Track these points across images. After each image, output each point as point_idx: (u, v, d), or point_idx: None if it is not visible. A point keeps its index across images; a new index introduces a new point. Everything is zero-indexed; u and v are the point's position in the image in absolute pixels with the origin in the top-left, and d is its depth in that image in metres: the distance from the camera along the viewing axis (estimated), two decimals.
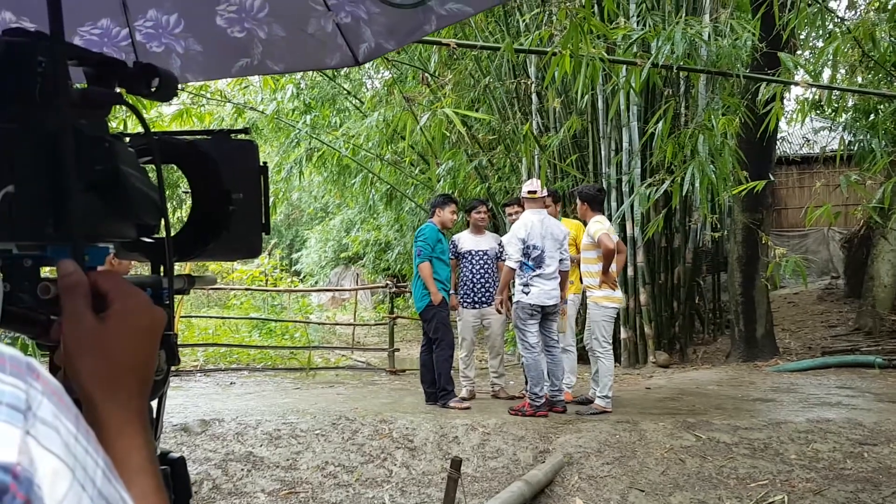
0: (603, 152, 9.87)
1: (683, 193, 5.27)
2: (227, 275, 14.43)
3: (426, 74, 10.14)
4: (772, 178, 5.21)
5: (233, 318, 11.20)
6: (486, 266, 7.04)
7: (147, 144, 1.22)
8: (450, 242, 7.09)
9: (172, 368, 1.12)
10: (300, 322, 11.02)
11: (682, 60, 4.87)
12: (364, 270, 17.01)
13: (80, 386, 0.75)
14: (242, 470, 5.55)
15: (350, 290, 12.01)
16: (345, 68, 4.69)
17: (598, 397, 6.49)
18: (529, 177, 10.32)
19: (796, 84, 5.04)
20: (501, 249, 7.08)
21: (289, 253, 20.31)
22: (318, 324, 11.49)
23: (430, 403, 6.79)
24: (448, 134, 10.40)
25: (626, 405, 6.86)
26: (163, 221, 1.07)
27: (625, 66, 5.66)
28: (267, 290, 12.29)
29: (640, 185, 8.01)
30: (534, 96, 10.21)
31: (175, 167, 1.25)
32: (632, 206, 8.93)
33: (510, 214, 7.24)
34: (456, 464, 4.56)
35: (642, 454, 5.72)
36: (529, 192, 6.46)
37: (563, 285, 6.49)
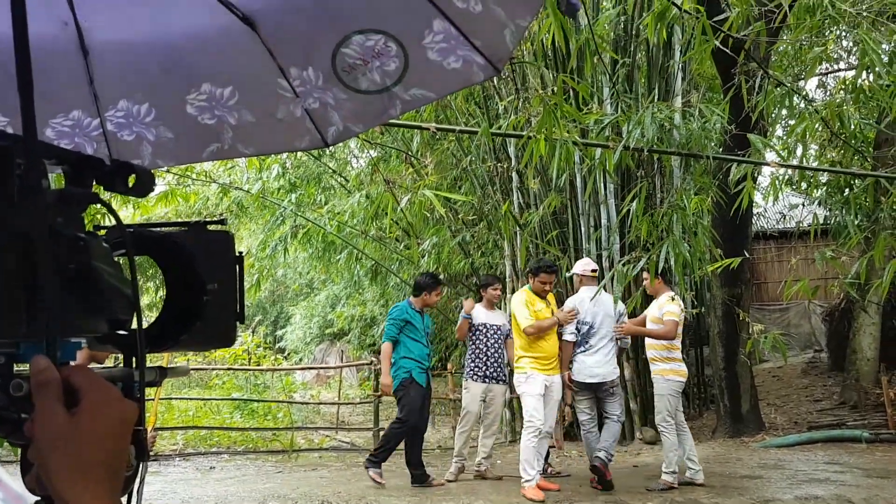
0: (582, 228, 10.02)
1: (659, 271, 5.34)
2: (208, 354, 14.27)
3: (409, 155, 10.33)
4: (747, 255, 5.29)
5: (214, 399, 11.02)
6: (498, 341, 7.10)
7: (121, 238, 1.26)
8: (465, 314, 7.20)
9: (144, 463, 1.12)
10: (283, 402, 10.87)
11: (654, 143, 5.02)
12: (349, 346, 16.88)
13: (51, 482, 0.76)
14: None
15: (335, 368, 11.90)
16: (316, 150, 4.83)
17: (665, 472, 6.42)
18: (513, 252, 10.47)
19: (767, 164, 5.19)
20: (510, 326, 7.21)
21: (273, 329, 20.17)
22: (302, 403, 11.34)
23: (416, 485, 6.68)
24: (428, 214, 10.53)
25: (616, 484, 6.74)
26: (135, 314, 1.09)
27: (598, 149, 5.81)
28: (249, 370, 12.15)
29: (618, 260, 8.10)
30: (514, 175, 10.40)
31: (150, 259, 1.28)
32: (612, 282, 8.99)
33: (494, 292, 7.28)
34: None
35: None
36: (593, 271, 6.73)
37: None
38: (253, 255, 12.36)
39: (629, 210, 6.27)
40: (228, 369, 11.99)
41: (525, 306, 6.45)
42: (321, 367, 14.47)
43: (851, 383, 10.14)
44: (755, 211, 11.87)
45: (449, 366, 10.94)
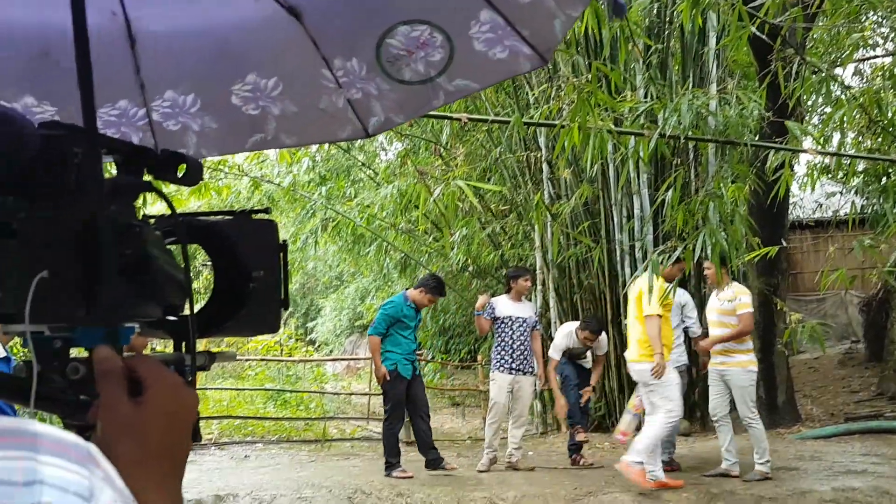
0: (615, 219, 9.93)
1: (695, 261, 5.28)
2: (242, 345, 14.43)
3: (439, 146, 10.32)
4: (784, 244, 5.20)
5: (247, 389, 11.16)
6: (524, 333, 7.08)
7: (172, 226, 1.28)
8: (490, 304, 7.20)
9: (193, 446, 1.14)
10: (315, 392, 10.97)
11: (690, 130, 4.96)
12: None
13: (117, 470, 0.78)
14: None
15: (365, 359, 11.98)
16: (357, 140, 4.83)
17: (759, 464, 6.28)
18: (543, 244, 10.43)
19: (804, 151, 5.11)
20: (538, 319, 7.24)
21: (304, 322, 20.34)
22: (333, 394, 11.43)
23: (430, 469, 6.80)
24: (461, 204, 10.52)
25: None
26: (187, 300, 1.11)
27: (633, 137, 5.75)
28: (281, 361, 12.27)
29: (652, 251, 8.03)
30: (544, 165, 10.34)
31: (198, 247, 1.30)
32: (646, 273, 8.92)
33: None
34: None
35: None
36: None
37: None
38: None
39: (663, 200, 6.22)
40: (261, 360, 12.13)
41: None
42: (352, 359, 14.58)
43: (889, 374, 9.97)
44: (791, 200, 11.67)
45: (479, 357, 10.93)
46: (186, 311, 1.22)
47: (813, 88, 5.22)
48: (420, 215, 10.02)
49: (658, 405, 6.08)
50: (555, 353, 7.34)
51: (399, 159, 11.50)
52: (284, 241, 1.36)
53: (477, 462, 7.21)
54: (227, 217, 1.32)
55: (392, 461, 6.72)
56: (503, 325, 7.06)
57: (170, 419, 0.84)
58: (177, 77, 1.93)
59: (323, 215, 10.93)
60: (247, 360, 12.83)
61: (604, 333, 7.65)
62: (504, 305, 7.14)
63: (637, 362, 6.16)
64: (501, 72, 1.85)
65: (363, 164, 12.10)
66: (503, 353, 7.04)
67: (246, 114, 1.91)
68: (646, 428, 6.14)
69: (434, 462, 6.81)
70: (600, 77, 5.78)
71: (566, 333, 7.39)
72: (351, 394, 11.78)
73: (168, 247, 1.15)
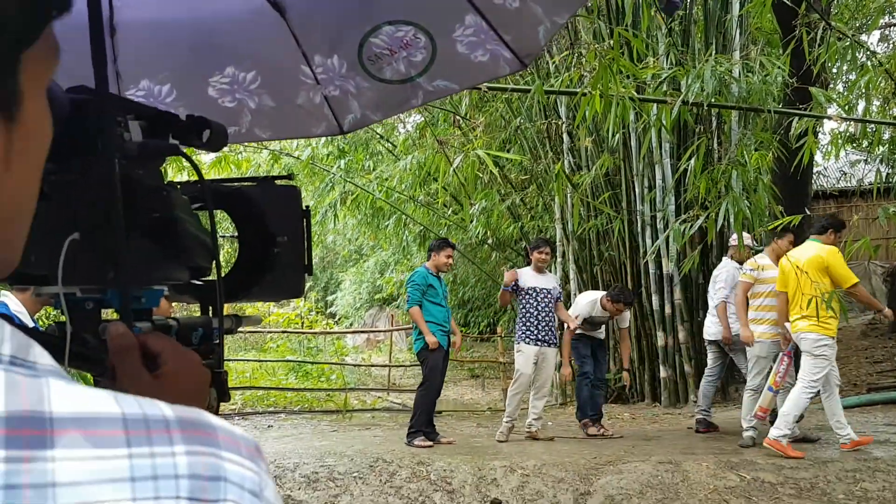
0: (636, 189, 9.85)
1: (718, 229, 5.23)
2: (263, 318, 14.57)
3: (458, 117, 10.26)
4: (808, 213, 5.13)
5: (269, 360, 11.28)
6: (549, 305, 7.08)
7: (198, 192, 1.29)
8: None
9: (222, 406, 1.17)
10: (336, 364, 11.07)
11: (713, 97, 4.89)
12: (398, 311, 17.07)
13: None
14: None
15: (384, 332, 12.05)
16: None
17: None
18: (563, 215, 10.39)
19: (828, 118, 5.02)
20: (561, 290, 7.23)
21: (324, 295, 20.46)
22: (354, 365, 11.54)
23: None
24: (480, 175, 10.48)
25: (669, 445, 6.75)
26: (214, 264, 1.12)
27: (655, 105, 5.69)
28: (302, 333, 12.39)
29: (674, 221, 7.98)
30: (565, 135, 10.27)
31: (223, 212, 1.31)
32: (667, 243, 8.88)
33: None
34: None
35: (685, 495, 5.62)
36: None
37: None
38: None
39: (685, 169, 6.16)
40: (283, 332, 12.24)
41: None
42: (371, 331, 14.68)
43: None
44: (815, 169, 11.51)
45: (498, 329, 10.95)
46: (213, 276, 1.23)
47: (838, 55, 5.12)
48: (440, 188, 9.99)
49: (804, 377, 6.03)
50: (576, 320, 7.31)
51: (418, 131, 11.45)
52: (307, 207, 1.37)
53: (496, 432, 7.27)
54: (251, 183, 1.33)
55: (415, 429, 6.76)
56: (527, 297, 7.06)
57: (189, 393, 0.86)
58: (154, 66, 1.92)
59: (342, 188, 10.93)
60: (268, 332, 12.96)
61: None
62: (527, 277, 7.13)
63: (807, 332, 5.97)
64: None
65: (381, 137, 12.07)
66: (528, 324, 7.04)
67: (222, 106, 1.92)
68: (789, 400, 6.08)
69: (412, 434, 6.83)
70: (622, 43, 5.71)
71: (590, 301, 7.35)
72: (371, 365, 11.88)
73: (195, 212, 1.16)
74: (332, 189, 10.98)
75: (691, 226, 5.11)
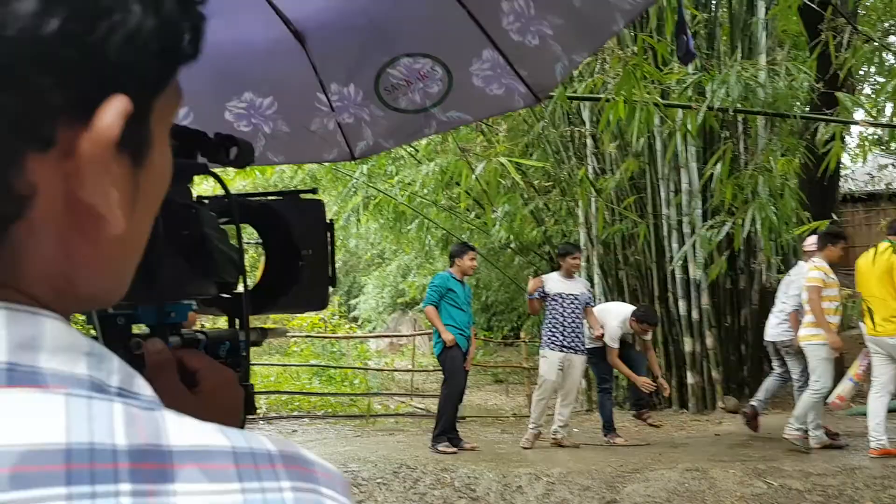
0: (662, 194, 9.78)
1: (745, 235, 5.18)
2: (287, 322, 14.66)
3: (480, 122, 10.25)
4: (834, 217, 5.04)
5: (293, 364, 11.35)
6: (576, 311, 6.99)
7: (226, 206, 1.31)
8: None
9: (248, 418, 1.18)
10: (359, 368, 11.11)
11: (739, 103, 4.85)
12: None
13: None
14: None
15: (407, 336, 12.08)
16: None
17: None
18: (587, 220, 10.35)
19: (855, 123, 4.95)
20: (590, 295, 7.18)
21: (347, 299, 20.55)
22: (377, 370, 11.56)
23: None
24: (502, 181, 10.47)
25: (696, 452, 6.69)
26: (241, 278, 1.14)
27: (681, 110, 5.65)
28: (327, 337, 12.45)
29: (700, 226, 7.92)
30: (588, 140, 10.22)
31: (249, 227, 1.33)
32: (693, 248, 8.80)
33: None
34: None
35: (712, 503, 5.57)
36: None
37: None
38: None
39: (711, 174, 6.11)
40: (306, 336, 12.31)
41: None
42: (394, 336, 14.71)
43: None
44: (843, 173, 11.35)
45: (522, 334, 10.92)
46: (239, 289, 1.25)
47: (865, 58, 5.05)
48: (462, 192, 10.00)
49: (878, 377, 6.06)
50: (613, 342, 7.25)
51: (440, 136, 11.47)
52: (331, 220, 1.39)
53: (521, 438, 7.25)
54: (277, 198, 1.35)
55: (440, 433, 6.76)
56: (554, 303, 6.98)
57: (226, 410, 0.87)
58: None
59: (364, 193, 10.98)
60: (293, 336, 13.03)
61: None
62: (555, 283, 7.05)
63: (892, 336, 5.91)
64: (495, 106, 1.88)
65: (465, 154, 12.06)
66: (554, 330, 6.97)
67: (237, 130, 1.94)
68: (871, 406, 6.09)
69: (437, 439, 6.82)
70: (646, 49, 5.68)
71: (622, 321, 7.29)
72: (394, 370, 11.90)
73: (222, 227, 1.18)
74: (354, 194, 11.03)
75: (718, 231, 5.06)
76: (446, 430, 6.79)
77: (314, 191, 1.40)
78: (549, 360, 6.97)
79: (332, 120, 1.93)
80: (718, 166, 5.12)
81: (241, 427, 1.15)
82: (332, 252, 1.37)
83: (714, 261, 9.30)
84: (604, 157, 10.37)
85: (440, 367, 7.14)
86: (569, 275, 7.10)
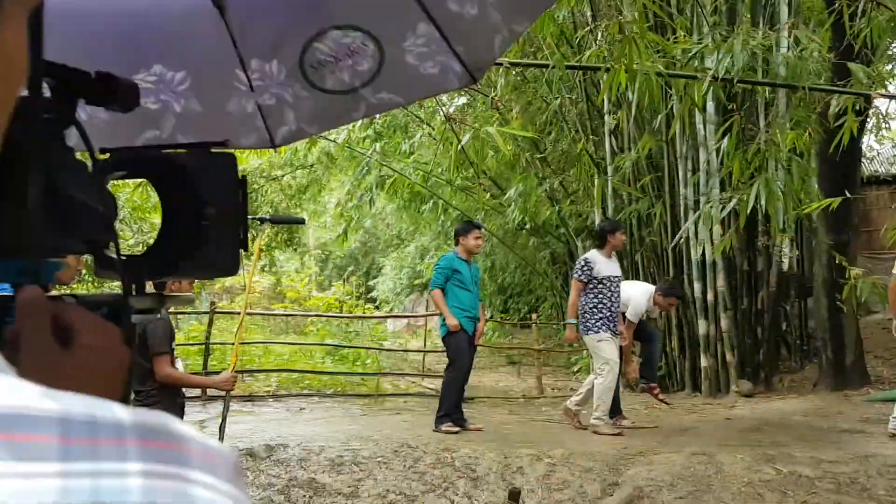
0: (679, 173, 9.57)
1: (749, 211, 4.99)
2: (304, 301, 14.68)
3: (496, 98, 10.07)
4: (847, 195, 4.84)
5: (305, 343, 11.34)
6: (618, 292, 6.73)
7: (125, 160, 1.21)
8: (583, 263, 6.69)
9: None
10: (372, 349, 11.06)
11: (746, 73, 4.62)
12: None
13: None
14: (304, 496, 5.53)
15: (423, 317, 12.01)
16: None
17: None
18: (602, 200, 10.14)
19: (867, 95, 4.71)
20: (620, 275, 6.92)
21: (365, 280, 20.53)
22: (390, 350, 11.52)
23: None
24: (521, 156, 10.33)
25: (705, 436, 6.55)
26: (111, 236, 1.04)
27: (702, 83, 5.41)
28: (342, 317, 12.42)
29: (707, 204, 7.72)
30: (606, 117, 10.01)
31: (147, 182, 1.22)
32: (710, 227, 8.58)
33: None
34: (514, 495, 4.44)
35: (718, 488, 5.43)
36: None
37: None
38: (342, 205, 12.50)
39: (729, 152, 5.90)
40: (321, 316, 12.30)
41: None
42: (409, 316, 14.64)
43: None
44: (868, 155, 11.03)
45: (533, 316, 10.79)
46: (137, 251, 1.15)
47: (880, 29, 4.80)
48: (478, 171, 9.85)
49: None
50: (635, 316, 6.99)
51: (458, 114, 11.30)
52: (244, 176, 1.28)
53: (528, 420, 7.15)
54: (181, 150, 1.24)
55: (443, 414, 6.67)
56: (603, 286, 6.61)
57: (100, 373, 0.76)
58: (75, 58, 1.79)
59: (378, 172, 10.88)
60: (309, 315, 13.03)
61: None
62: (603, 265, 6.65)
63: None
64: (429, 87, 1.75)
65: (421, 121, 11.93)
66: (605, 313, 6.60)
67: (144, 107, 1.74)
68: None
69: (440, 420, 6.69)
70: (647, 16, 5.43)
71: (648, 298, 7.06)
72: (406, 350, 11.85)
73: (104, 182, 1.08)
74: (368, 173, 10.93)
75: (723, 208, 4.88)
76: (450, 412, 6.69)
77: (224, 143, 1.28)
78: (610, 342, 6.63)
79: (252, 101, 1.78)
80: (725, 140, 4.92)
81: (125, 401, 1.05)
82: (244, 212, 1.26)
83: (731, 242, 9.10)
84: (622, 134, 10.16)
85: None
86: (610, 254, 6.75)
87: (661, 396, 7.40)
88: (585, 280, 6.63)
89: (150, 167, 1.19)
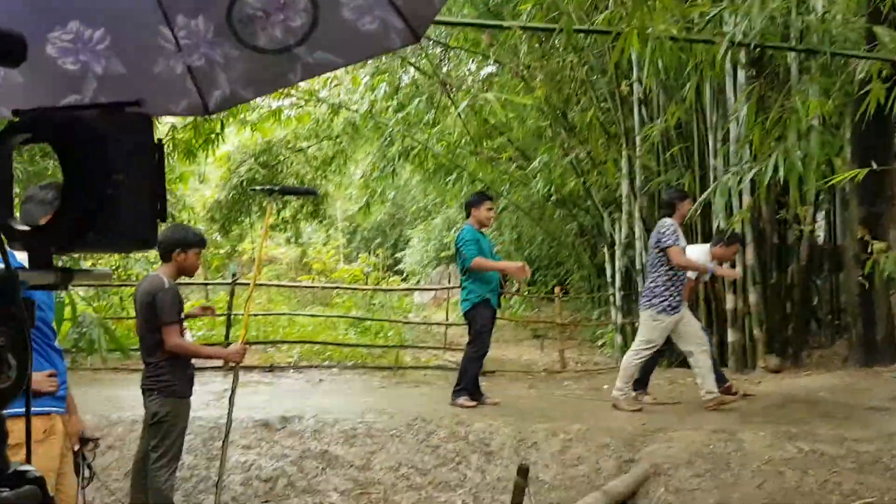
0: (709, 143, 9.29)
1: (766, 182, 4.78)
2: (330, 274, 14.70)
3: (520, 66, 9.84)
4: (874, 166, 4.56)
5: (329, 315, 11.34)
6: None
7: (31, 122, 1.13)
8: (672, 227, 6.31)
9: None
10: (395, 321, 11.03)
11: (766, 37, 4.39)
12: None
13: None
14: (317, 468, 5.54)
15: (447, 290, 11.93)
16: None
17: None
18: (630, 171, 9.91)
19: (892, 60, 4.43)
20: None
21: (393, 252, 20.50)
22: (411, 323, 11.47)
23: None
24: (541, 127, 10.13)
25: (726, 413, 6.41)
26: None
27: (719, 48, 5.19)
28: (364, 289, 12.40)
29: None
30: (635, 85, 9.74)
31: (49, 146, 1.13)
32: (740, 199, 8.31)
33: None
34: (523, 471, 4.35)
35: (737, 466, 5.31)
36: None
37: None
38: (366, 177, 12.42)
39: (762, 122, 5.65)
40: (347, 288, 12.30)
41: None
42: (432, 288, 14.56)
43: None
44: None
45: (556, 290, 10.64)
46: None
47: None
48: (497, 142, 9.67)
49: None
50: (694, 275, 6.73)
51: (483, 84, 11.10)
52: (159, 140, 1.18)
53: (548, 394, 7.06)
54: (90, 110, 1.15)
55: (462, 388, 6.59)
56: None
57: None
58: None
59: (402, 143, 10.75)
60: (335, 287, 13.05)
61: None
62: (681, 236, 6.39)
63: None
64: (368, 46, 1.62)
65: (447, 90, 11.73)
66: (674, 292, 6.37)
67: (62, 68, 1.64)
68: None
69: (458, 393, 6.61)
70: None
71: (706, 257, 6.78)
72: (428, 323, 11.80)
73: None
74: (391, 143, 10.81)
75: (741, 179, 4.69)
76: (468, 388, 6.62)
77: (139, 103, 1.18)
78: (665, 326, 6.42)
79: (181, 62, 1.65)
80: (744, 108, 4.72)
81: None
82: (160, 179, 1.17)
83: (762, 214, 8.84)
84: (652, 104, 9.89)
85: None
86: (681, 224, 6.48)
87: (740, 392, 7.00)
88: (682, 245, 6.36)
89: (54, 129, 1.10)
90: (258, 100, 10.52)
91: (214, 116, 10.33)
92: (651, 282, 6.47)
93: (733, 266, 6.95)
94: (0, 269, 1.01)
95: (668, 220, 6.40)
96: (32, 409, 3.09)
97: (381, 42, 1.56)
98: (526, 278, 7.01)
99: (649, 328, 6.47)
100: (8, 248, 1.03)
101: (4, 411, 0.97)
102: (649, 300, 6.44)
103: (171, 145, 10.04)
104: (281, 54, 1.61)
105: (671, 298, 6.35)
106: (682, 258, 6.31)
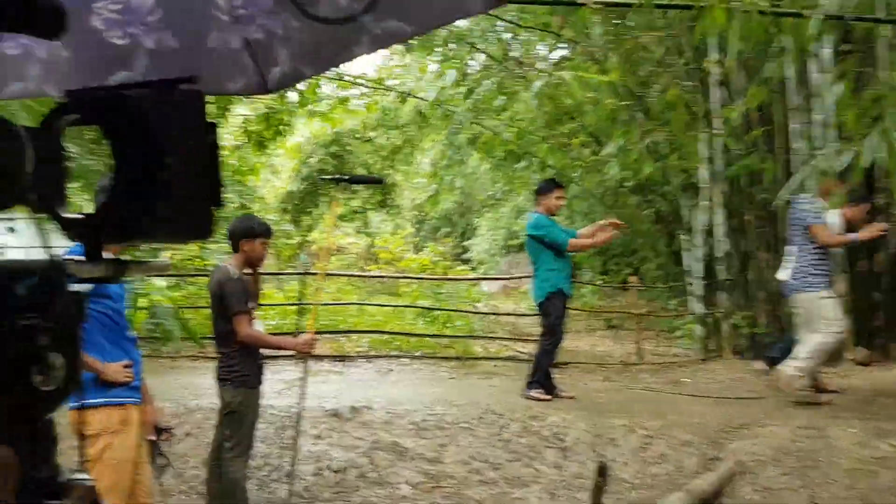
0: (794, 126, 8.85)
1: (863, 166, 4.44)
2: (398, 263, 14.69)
3: (593, 48, 9.56)
4: None
5: (397, 305, 11.31)
6: None
7: (77, 102, 1.04)
8: (806, 209, 6.05)
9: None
10: (464, 311, 10.91)
11: (859, 9, 4.05)
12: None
13: None
14: (387, 460, 5.48)
15: (517, 279, 11.76)
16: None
17: None
18: (710, 155, 9.52)
19: None
20: None
21: (461, 241, 20.39)
22: (481, 313, 11.33)
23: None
24: (616, 110, 9.83)
25: (814, 408, 6.08)
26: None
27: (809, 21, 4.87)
28: (432, 279, 12.31)
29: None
30: (714, 67, 9.34)
31: (99, 129, 1.04)
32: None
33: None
34: (602, 469, 4.19)
35: (826, 464, 5.04)
36: None
37: None
38: (435, 165, 12.33)
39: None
40: (415, 278, 12.25)
41: None
42: (501, 278, 14.39)
43: None
44: None
45: (631, 279, 10.34)
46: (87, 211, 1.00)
47: None
48: (570, 127, 9.42)
49: None
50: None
51: (555, 67, 10.83)
52: (213, 121, 1.08)
53: (624, 387, 6.83)
54: (141, 89, 1.05)
55: (535, 380, 6.43)
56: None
57: None
58: None
59: (471, 130, 10.60)
60: (404, 277, 13.01)
61: None
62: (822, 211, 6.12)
63: None
64: (445, 11, 1.42)
65: (518, 75, 11.49)
66: (824, 268, 6.12)
67: (108, 42, 1.51)
68: None
69: (530, 386, 6.44)
70: None
71: (839, 222, 6.36)
72: (497, 313, 11.64)
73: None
74: (460, 131, 10.67)
75: (834, 163, 4.37)
76: (541, 381, 6.45)
77: (193, 80, 1.08)
78: (832, 301, 6.10)
79: (237, 35, 1.50)
80: (837, 87, 4.39)
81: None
82: (216, 163, 1.07)
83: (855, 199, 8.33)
84: (732, 85, 9.48)
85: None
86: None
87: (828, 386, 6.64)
88: (824, 221, 6.05)
89: (101, 109, 1.01)
90: (326, 89, 10.54)
91: (282, 107, 10.38)
92: (799, 262, 6.14)
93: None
94: (45, 261, 0.93)
95: (807, 196, 6.13)
96: (109, 399, 3.10)
97: (459, 4, 1.38)
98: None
99: (824, 308, 6.07)
100: (63, 239, 0.95)
101: (68, 407, 0.89)
102: (806, 280, 6.10)
103: (245, 137, 10.15)
104: (345, 24, 1.44)
105: (821, 274, 6.07)
106: (829, 236, 6.07)
